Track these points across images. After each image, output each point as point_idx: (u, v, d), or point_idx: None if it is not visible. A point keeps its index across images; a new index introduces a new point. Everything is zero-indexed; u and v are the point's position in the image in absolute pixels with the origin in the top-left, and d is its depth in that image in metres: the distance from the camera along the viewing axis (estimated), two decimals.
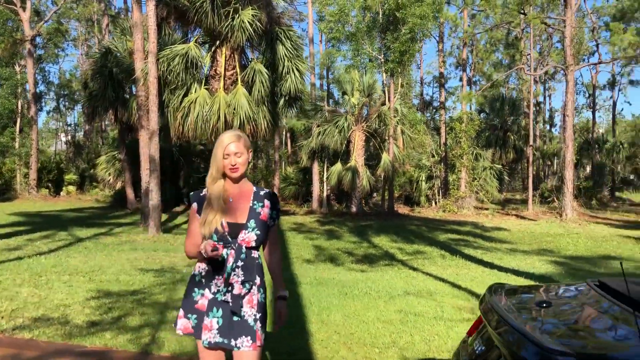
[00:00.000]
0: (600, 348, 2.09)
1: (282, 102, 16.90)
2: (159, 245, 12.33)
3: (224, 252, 2.76)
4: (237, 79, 15.53)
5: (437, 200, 24.83)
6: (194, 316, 2.82)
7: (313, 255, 12.07)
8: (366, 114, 22.41)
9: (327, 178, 23.10)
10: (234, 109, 14.88)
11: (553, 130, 52.67)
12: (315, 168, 23.05)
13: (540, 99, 43.60)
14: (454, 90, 44.83)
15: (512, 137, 33.45)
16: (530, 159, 25.90)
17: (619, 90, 40.57)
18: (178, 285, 7.55)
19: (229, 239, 2.78)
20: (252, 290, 2.80)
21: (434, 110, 48.65)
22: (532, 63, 26.55)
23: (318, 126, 22.39)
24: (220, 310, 2.76)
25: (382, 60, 22.30)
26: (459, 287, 8.17)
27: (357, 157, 21.59)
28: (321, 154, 23.13)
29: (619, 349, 2.04)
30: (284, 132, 32.85)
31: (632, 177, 35.91)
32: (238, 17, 14.33)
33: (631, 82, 38.78)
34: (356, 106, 22.44)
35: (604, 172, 32.22)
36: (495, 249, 13.83)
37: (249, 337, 2.74)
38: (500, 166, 27.68)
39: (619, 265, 11.45)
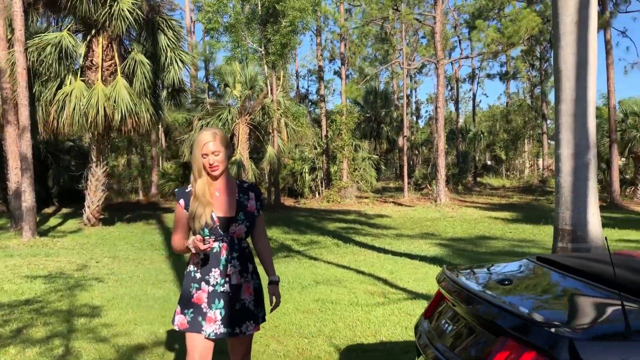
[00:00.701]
0: (578, 317, 2.27)
1: (165, 94, 16.25)
2: (38, 249, 11.33)
3: (216, 245, 2.90)
4: (116, 70, 14.65)
5: (320, 191, 25.33)
6: (190, 311, 2.92)
7: None
8: (249, 106, 22.23)
9: None
10: (115, 102, 14.04)
11: (419, 121, 55.91)
12: None
13: (408, 91, 45.97)
14: (327, 84, 45.92)
15: (385, 129, 34.97)
16: (405, 149, 27.29)
17: (478, 83, 44.08)
18: (76, 291, 7.02)
19: (221, 232, 2.91)
20: (248, 278, 2.99)
21: (310, 103, 49.48)
22: (405, 57, 27.91)
23: (200, 119, 21.82)
24: (222, 301, 2.89)
25: (263, 52, 22.23)
26: (362, 272, 8.42)
27: (242, 151, 21.38)
28: None
29: (595, 316, 2.24)
30: (159, 126, 31.59)
31: (490, 163, 39.19)
32: (117, 4, 13.50)
33: (488, 76, 42.30)
34: (239, 99, 22.17)
35: (468, 159, 34.82)
36: (382, 235, 14.42)
37: (252, 321, 2.99)
38: (377, 156, 28.88)
39: (496, 243, 12.50)
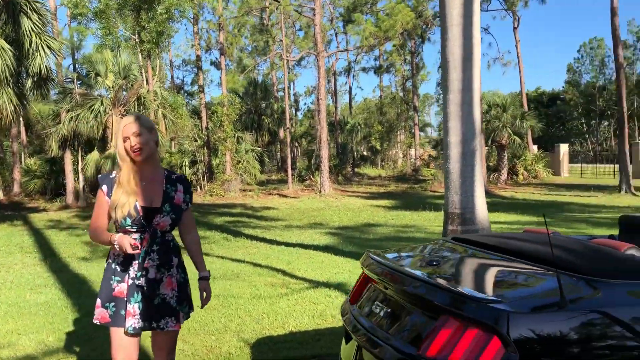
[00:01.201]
0: (514, 292, 2.35)
1: (29, 83, 14.86)
2: None
3: (137, 236, 2.77)
4: None
5: (202, 185, 24.69)
6: (112, 304, 2.80)
7: (88, 253, 10.96)
8: (123, 97, 21.04)
9: (82, 168, 21.13)
10: None
11: (298, 114, 56.53)
12: (68, 158, 20.88)
13: (287, 84, 46.21)
14: (203, 75, 44.80)
15: (266, 121, 34.90)
16: (288, 141, 27.41)
17: (353, 76, 45.42)
18: None
19: (143, 222, 2.78)
20: (171, 272, 2.86)
21: (186, 94, 48.07)
22: (285, 49, 27.96)
23: (69, 111, 20.27)
24: (140, 295, 2.77)
25: (137, 40, 21.12)
26: (259, 265, 8.30)
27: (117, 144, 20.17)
28: (74, 142, 21.02)
29: (530, 290, 2.33)
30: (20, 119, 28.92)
31: (367, 154, 40.60)
32: None
33: (363, 69, 43.71)
34: (111, 89, 20.90)
35: (347, 150, 35.79)
36: (272, 227, 14.36)
37: (172, 318, 2.84)
38: (260, 149, 28.72)
39: (382, 230, 12.92)
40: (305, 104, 69.00)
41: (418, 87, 38.51)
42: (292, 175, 26.25)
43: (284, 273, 7.63)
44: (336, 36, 38.29)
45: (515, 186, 27.13)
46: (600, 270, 2.29)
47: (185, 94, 47.52)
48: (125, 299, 2.78)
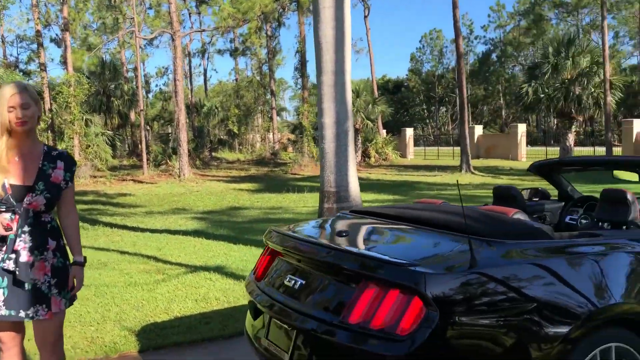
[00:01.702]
0: (428, 255, 2.50)
1: None
2: None
3: (7, 216, 2.57)
4: None
5: None
6: None
7: None
8: None
9: None
10: None
11: (149, 95, 54.11)
12: None
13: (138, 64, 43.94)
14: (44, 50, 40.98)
15: (116, 103, 32.95)
16: (142, 124, 26.14)
17: (208, 58, 44.43)
18: None
19: (13, 202, 2.58)
20: (44, 256, 2.66)
21: (22, 73, 43.65)
22: (137, 27, 26.50)
23: None
24: (5, 280, 2.58)
25: None
26: (127, 253, 7.90)
27: None
28: None
29: (441, 253, 2.50)
30: None
31: (225, 137, 40.09)
32: None
33: (219, 51, 42.91)
34: None
35: (204, 134, 35.03)
36: (131, 214, 13.67)
37: (43, 305, 2.63)
38: (110, 132, 27.08)
39: (249, 212, 12.93)
40: (157, 85, 66.25)
41: (274, 71, 38.78)
42: (147, 160, 25.12)
43: (156, 259, 7.34)
44: (189, 16, 37.17)
45: (369, 168, 28.56)
46: (497, 232, 2.53)
47: (22, 73, 43.14)
48: None
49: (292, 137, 33.13)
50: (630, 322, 2.49)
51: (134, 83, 40.63)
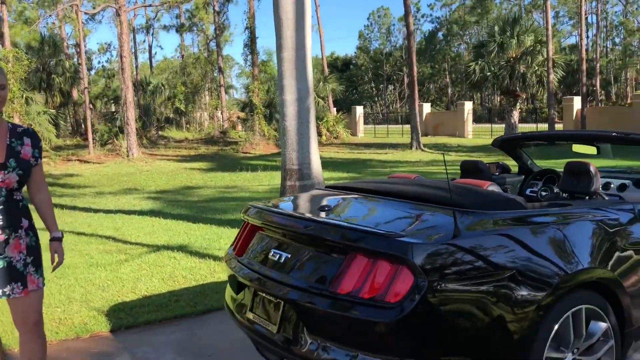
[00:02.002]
0: (412, 226, 2.58)
1: None
2: None
3: None
4: None
5: None
6: None
7: None
8: None
9: None
10: None
11: (91, 72, 52.19)
12: None
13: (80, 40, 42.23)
14: None
15: (57, 80, 31.62)
16: (87, 102, 25.25)
17: (153, 34, 43.14)
18: None
19: None
20: (18, 234, 2.64)
21: None
22: (80, 1, 25.41)
23: None
24: None
25: None
26: (83, 234, 7.70)
27: None
28: None
29: (425, 223, 2.58)
30: None
31: (172, 116, 39.20)
32: None
33: (164, 27, 41.75)
34: None
35: (150, 112, 34.16)
36: (81, 194, 13.30)
37: (19, 284, 2.63)
38: (54, 111, 26.04)
39: (204, 192, 12.82)
40: (99, 62, 63.90)
41: (222, 47, 38.07)
42: (93, 139, 24.35)
43: (115, 239, 7.21)
44: None
45: (321, 146, 28.40)
46: (476, 203, 2.63)
47: None
48: None
49: (242, 115, 32.74)
50: (597, 285, 2.66)
51: (76, 59, 39.10)
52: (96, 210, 10.09)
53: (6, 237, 2.60)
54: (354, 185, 3.33)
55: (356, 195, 3.12)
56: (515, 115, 24.11)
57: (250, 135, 26.80)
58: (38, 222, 2.82)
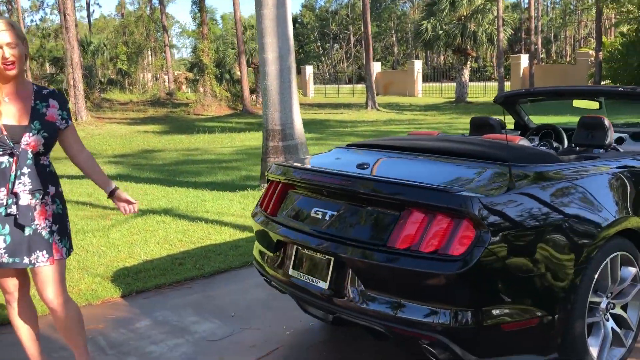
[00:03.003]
0: (465, 181, 2.62)
1: None
2: None
3: (5, 159, 2.46)
4: None
5: None
6: None
7: None
8: None
9: None
10: None
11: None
12: None
13: None
14: None
15: None
16: (28, 64, 23.87)
17: None
18: None
19: (10, 143, 2.47)
20: (45, 200, 2.55)
21: None
22: None
23: None
24: (7, 227, 2.47)
25: None
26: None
27: None
28: None
29: (478, 179, 2.63)
30: None
31: (115, 77, 37.74)
32: None
33: None
34: None
35: (93, 73, 32.77)
36: None
37: (44, 252, 2.52)
38: None
39: (167, 155, 12.57)
40: (32, 21, 60.34)
41: (166, 5, 36.65)
42: None
43: (92, 205, 6.99)
44: None
45: None
46: (518, 158, 2.71)
47: None
48: None
49: (190, 75, 31.88)
50: (630, 233, 2.81)
51: (8, 17, 36.74)
52: (59, 176, 9.70)
53: (34, 202, 2.51)
54: (379, 142, 3.34)
55: (388, 153, 3.14)
56: (466, 73, 24.56)
57: (201, 96, 26.18)
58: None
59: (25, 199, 2.47)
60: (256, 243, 3.34)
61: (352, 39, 57.71)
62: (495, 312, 2.31)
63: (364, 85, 24.28)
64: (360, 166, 2.88)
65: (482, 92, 29.48)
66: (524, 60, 28.14)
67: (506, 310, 2.33)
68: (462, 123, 16.41)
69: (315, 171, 2.93)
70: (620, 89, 3.78)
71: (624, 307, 2.85)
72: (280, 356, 3.15)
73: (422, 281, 2.33)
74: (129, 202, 2.82)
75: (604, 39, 24.28)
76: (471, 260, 2.24)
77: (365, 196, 2.60)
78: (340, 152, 3.39)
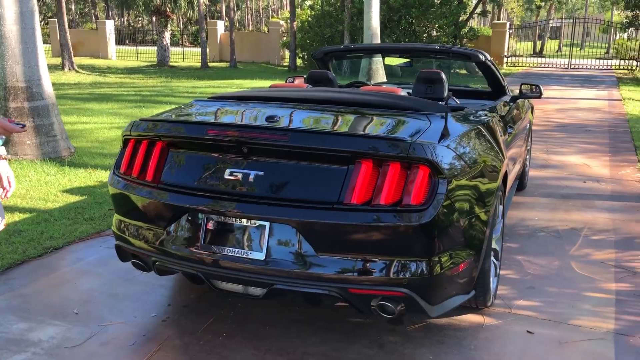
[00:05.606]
0: (401, 129, 2.54)
1: None
2: None
3: None
4: None
5: None
6: None
7: None
8: None
9: None
10: None
11: None
12: None
13: None
14: None
15: None
16: None
17: None
18: None
19: None
20: None
21: None
22: None
23: None
24: None
25: None
26: None
27: None
28: None
29: (409, 128, 2.58)
30: None
31: None
32: None
33: None
34: None
35: None
36: None
37: None
38: None
39: None
40: None
41: None
42: None
43: None
44: None
45: None
46: (424, 107, 2.80)
47: None
48: None
49: None
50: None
51: None
52: None
53: None
54: (253, 94, 3.03)
55: (283, 104, 2.87)
56: (167, 36, 23.91)
57: None
58: None
59: None
60: (121, 219, 2.72)
61: None
62: (448, 257, 2.37)
63: (58, 44, 21.62)
64: (271, 119, 2.57)
65: (181, 57, 29.19)
66: (220, 26, 28.77)
67: (455, 253, 2.41)
68: (179, 86, 16.00)
69: (228, 125, 2.49)
70: (437, 47, 4.16)
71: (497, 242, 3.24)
72: (176, 346, 2.66)
73: (385, 236, 2.22)
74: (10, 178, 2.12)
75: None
76: (435, 208, 2.22)
77: (305, 151, 2.33)
78: (208, 104, 2.96)
